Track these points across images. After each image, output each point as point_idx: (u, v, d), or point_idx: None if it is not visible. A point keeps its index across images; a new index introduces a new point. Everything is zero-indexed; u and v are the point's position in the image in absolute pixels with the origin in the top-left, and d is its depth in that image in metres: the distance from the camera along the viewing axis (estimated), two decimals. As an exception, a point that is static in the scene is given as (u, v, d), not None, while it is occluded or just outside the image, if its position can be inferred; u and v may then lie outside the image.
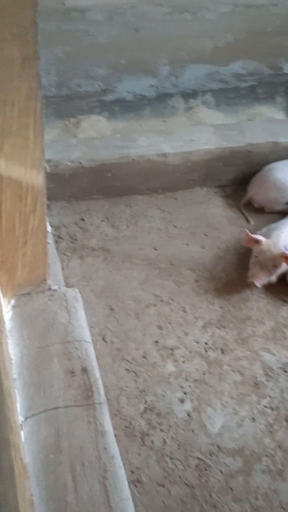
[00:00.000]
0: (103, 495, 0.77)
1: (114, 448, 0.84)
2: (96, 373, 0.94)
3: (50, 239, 1.37)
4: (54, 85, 2.37)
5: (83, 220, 2.17)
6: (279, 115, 2.69)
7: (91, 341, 1.01)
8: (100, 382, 0.94)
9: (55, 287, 1.04)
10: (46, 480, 0.78)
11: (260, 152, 2.31)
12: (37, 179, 0.84)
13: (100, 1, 2.14)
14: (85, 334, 1.00)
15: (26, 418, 0.86)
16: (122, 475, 0.81)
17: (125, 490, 0.80)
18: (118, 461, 0.85)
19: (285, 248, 1.91)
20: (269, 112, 2.71)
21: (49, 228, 1.35)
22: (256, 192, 2.27)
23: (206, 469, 1.49)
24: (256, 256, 1.95)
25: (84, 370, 0.93)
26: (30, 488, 0.76)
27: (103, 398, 0.90)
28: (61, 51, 2.27)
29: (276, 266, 1.91)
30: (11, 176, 0.80)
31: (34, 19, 0.64)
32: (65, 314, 0.99)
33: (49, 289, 1.03)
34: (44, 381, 0.89)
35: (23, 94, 0.71)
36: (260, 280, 1.92)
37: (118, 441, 1.49)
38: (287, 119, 2.59)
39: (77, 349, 0.95)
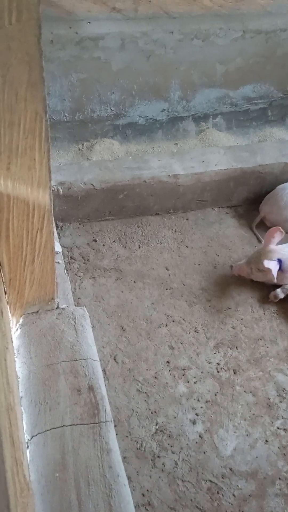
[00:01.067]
0: (107, 514, 0.76)
1: (120, 467, 0.83)
2: (103, 391, 0.94)
3: (60, 259, 1.39)
4: (68, 110, 2.45)
5: (95, 241, 2.20)
6: (291, 136, 2.71)
7: (98, 359, 1.01)
8: (106, 400, 0.94)
9: (63, 305, 1.05)
10: (51, 498, 0.77)
11: (271, 172, 2.32)
12: (43, 198, 0.86)
13: (112, 30, 2.22)
14: (92, 352, 1.00)
15: (32, 436, 0.86)
16: (127, 493, 0.80)
17: (130, 509, 0.79)
18: (123, 479, 0.84)
19: (278, 261, 1.91)
20: (280, 133, 2.73)
21: (58, 248, 1.38)
22: (269, 211, 2.27)
23: (218, 492, 1.46)
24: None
25: (91, 388, 0.93)
26: (33, 505, 0.76)
27: (109, 416, 0.90)
28: (76, 78, 2.35)
29: (259, 270, 1.93)
30: (18, 196, 0.83)
31: (38, 45, 0.67)
32: (73, 332, 1.00)
33: (57, 307, 1.04)
34: (50, 399, 0.90)
35: (28, 116, 0.74)
36: (236, 268, 2.02)
37: (128, 463, 1.48)
38: (299, 139, 2.61)
39: (84, 367, 0.95)
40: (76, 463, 0.82)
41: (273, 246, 1.96)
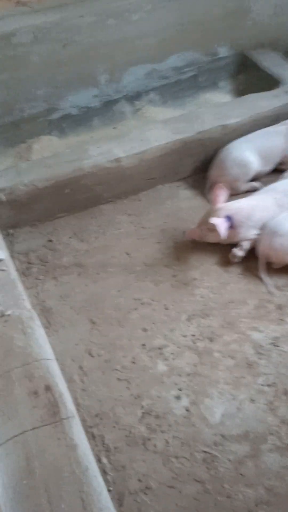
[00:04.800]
0: (81, 509, 0.74)
1: (88, 459, 0.81)
2: (61, 388, 0.91)
3: (5, 266, 1.36)
4: (-3, 115, 2.38)
5: (51, 241, 2.16)
6: (226, 98, 2.70)
7: (53, 358, 0.99)
8: (66, 396, 0.92)
9: (8, 312, 1.02)
10: (20, 508, 0.75)
11: (211, 137, 2.31)
12: None
13: (21, 24, 2.15)
14: (45, 352, 0.98)
15: (-4, 450, 0.83)
16: (98, 485, 0.78)
17: (103, 500, 0.78)
18: (93, 471, 0.83)
19: (228, 218, 1.91)
20: (215, 97, 2.72)
21: (1, 255, 1.34)
22: (217, 174, 2.26)
23: (213, 461, 1.46)
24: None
25: (48, 388, 0.91)
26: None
27: (70, 412, 0.88)
28: (-3, 81, 2.28)
29: (210, 230, 1.93)
30: None
31: None
32: (22, 336, 0.97)
33: (2, 315, 1.01)
34: (8, 408, 0.87)
35: None
36: (189, 233, 2.02)
37: (120, 452, 1.48)
38: (232, 100, 2.59)
39: (38, 368, 0.93)
40: (42, 465, 0.80)
41: (220, 204, 1.96)
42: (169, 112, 2.60)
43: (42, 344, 0.99)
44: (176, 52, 2.59)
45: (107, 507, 0.78)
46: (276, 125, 2.32)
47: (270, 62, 2.70)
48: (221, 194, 1.98)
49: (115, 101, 2.60)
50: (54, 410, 0.87)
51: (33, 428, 0.84)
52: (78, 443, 0.86)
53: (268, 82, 2.59)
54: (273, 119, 2.37)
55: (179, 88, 2.68)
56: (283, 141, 2.25)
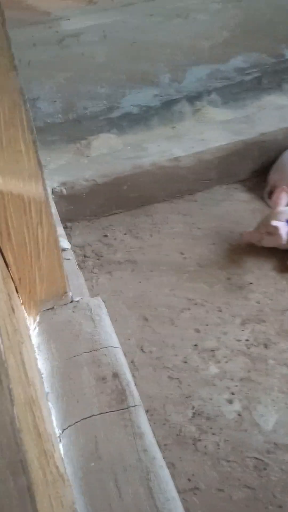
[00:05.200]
0: (148, 498, 0.74)
1: (154, 449, 0.81)
2: (128, 376, 0.92)
3: (71, 255, 1.38)
4: (60, 111, 2.44)
5: (106, 236, 2.18)
6: (289, 101, 2.64)
7: (119, 346, 0.99)
8: (133, 385, 0.92)
9: (77, 298, 1.04)
10: (88, 488, 0.76)
11: (274, 140, 2.26)
12: (37, 190, 0.84)
13: (91, 23, 2.20)
14: (113, 340, 0.98)
15: (63, 430, 0.85)
16: (165, 475, 0.78)
17: (170, 490, 0.77)
18: (160, 461, 0.82)
19: (287, 221, 1.87)
20: (278, 100, 2.66)
21: (67, 245, 1.36)
22: (277, 178, 2.21)
23: (265, 469, 1.42)
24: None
25: (115, 375, 0.91)
26: (71, 496, 0.74)
27: (137, 400, 0.88)
28: (62, 78, 2.34)
29: (269, 233, 1.87)
30: (11, 191, 0.82)
31: (3, 29, 0.66)
32: (90, 323, 0.98)
33: (72, 301, 1.03)
34: (76, 391, 0.88)
35: (7, 107, 0.73)
36: (246, 235, 1.97)
37: (170, 450, 1.46)
38: (296, 102, 2.53)
39: (106, 355, 0.94)
40: (110, 451, 0.80)
41: (281, 207, 1.92)
42: (229, 113, 2.58)
43: (110, 332, 1.00)
44: (240, 53, 2.56)
45: (174, 498, 0.77)
46: None
47: None
48: (283, 197, 1.93)
49: (176, 101, 2.60)
50: (121, 397, 0.88)
51: (101, 413, 0.85)
52: (145, 431, 0.86)
53: None
54: None
55: (241, 89, 2.65)
56: None
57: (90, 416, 0.84)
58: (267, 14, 2.49)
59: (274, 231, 1.85)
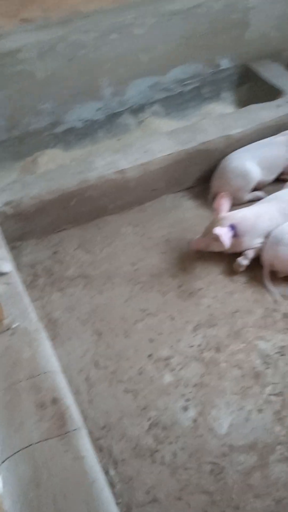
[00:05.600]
0: (89, 521, 0.74)
1: (95, 472, 0.81)
2: (68, 400, 0.92)
3: (13, 278, 1.37)
4: (4, 129, 2.42)
5: (57, 252, 2.18)
6: (228, 109, 2.72)
7: (59, 370, 0.99)
8: (73, 408, 0.92)
9: (14, 325, 1.03)
10: (28, 518, 0.75)
11: (215, 148, 2.33)
12: None
13: (28, 40, 2.19)
14: (52, 364, 0.98)
15: (1, 463, 0.84)
16: (106, 496, 0.78)
17: (111, 511, 0.78)
18: (101, 484, 0.83)
19: (231, 227, 1.92)
20: (218, 108, 2.74)
21: (7, 268, 1.35)
22: (219, 185, 2.27)
23: (221, 472, 1.45)
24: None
25: (55, 401, 0.91)
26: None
27: (77, 423, 0.88)
28: (4, 96, 2.32)
29: (214, 239, 1.93)
30: None
31: None
32: (28, 349, 0.98)
33: (8, 328, 1.02)
34: (15, 420, 0.88)
35: None
36: (194, 243, 2.03)
37: (128, 464, 1.47)
38: (235, 111, 2.62)
39: (44, 381, 0.94)
40: (49, 478, 0.80)
41: (224, 213, 1.98)
42: (172, 124, 2.63)
43: (49, 356, 1.00)
44: (179, 65, 2.63)
45: (115, 518, 0.78)
46: (277, 135, 2.34)
47: (272, 73, 2.73)
48: (224, 204, 1.99)
49: (119, 114, 2.63)
50: (61, 422, 0.88)
51: (40, 441, 0.84)
52: (85, 455, 0.86)
53: (270, 93, 2.62)
54: (276, 129, 2.39)
55: (182, 99, 2.71)
56: (284, 150, 2.27)
57: (29, 446, 0.84)
58: (203, 26, 2.56)
59: (218, 238, 1.90)
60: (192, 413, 1.59)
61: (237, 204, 2.24)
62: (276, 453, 1.48)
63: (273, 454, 1.48)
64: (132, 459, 1.48)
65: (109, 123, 2.62)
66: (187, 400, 1.63)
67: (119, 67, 2.50)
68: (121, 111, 2.62)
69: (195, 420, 1.57)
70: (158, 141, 2.34)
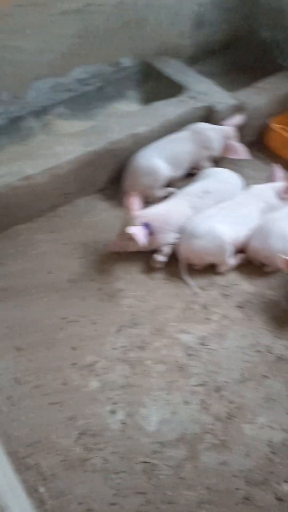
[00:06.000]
0: None
1: (4, 498, 0.77)
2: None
3: None
4: None
5: None
6: (134, 107, 2.73)
7: None
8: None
9: None
10: None
11: (122, 147, 2.32)
12: None
13: None
14: None
15: None
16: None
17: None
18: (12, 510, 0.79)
19: (145, 225, 1.94)
20: (123, 107, 2.74)
21: None
22: (130, 183, 2.28)
23: (153, 470, 1.46)
24: None
25: None
26: None
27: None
28: None
29: (130, 239, 1.94)
30: None
31: None
32: None
33: None
34: None
35: None
36: (111, 245, 2.04)
37: (59, 478, 1.43)
38: (140, 109, 2.63)
39: None
40: None
41: (136, 212, 1.99)
42: (78, 125, 2.58)
43: None
44: (79, 65, 2.59)
45: None
46: (182, 131, 2.38)
47: (172, 69, 2.77)
48: (135, 202, 2.00)
49: (22, 117, 2.54)
50: None
51: None
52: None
53: (173, 89, 2.66)
54: (181, 124, 2.43)
55: (86, 99, 2.67)
56: (189, 145, 2.32)
57: None
58: (103, 24, 2.54)
59: (132, 237, 1.90)
60: (120, 415, 1.58)
61: (150, 201, 2.26)
62: (204, 442, 1.51)
63: (201, 443, 1.51)
64: (62, 472, 1.44)
65: (11, 128, 2.52)
66: (114, 403, 1.61)
67: (17, 69, 2.41)
68: (23, 114, 2.54)
69: (123, 422, 1.56)
70: (65, 144, 2.29)
